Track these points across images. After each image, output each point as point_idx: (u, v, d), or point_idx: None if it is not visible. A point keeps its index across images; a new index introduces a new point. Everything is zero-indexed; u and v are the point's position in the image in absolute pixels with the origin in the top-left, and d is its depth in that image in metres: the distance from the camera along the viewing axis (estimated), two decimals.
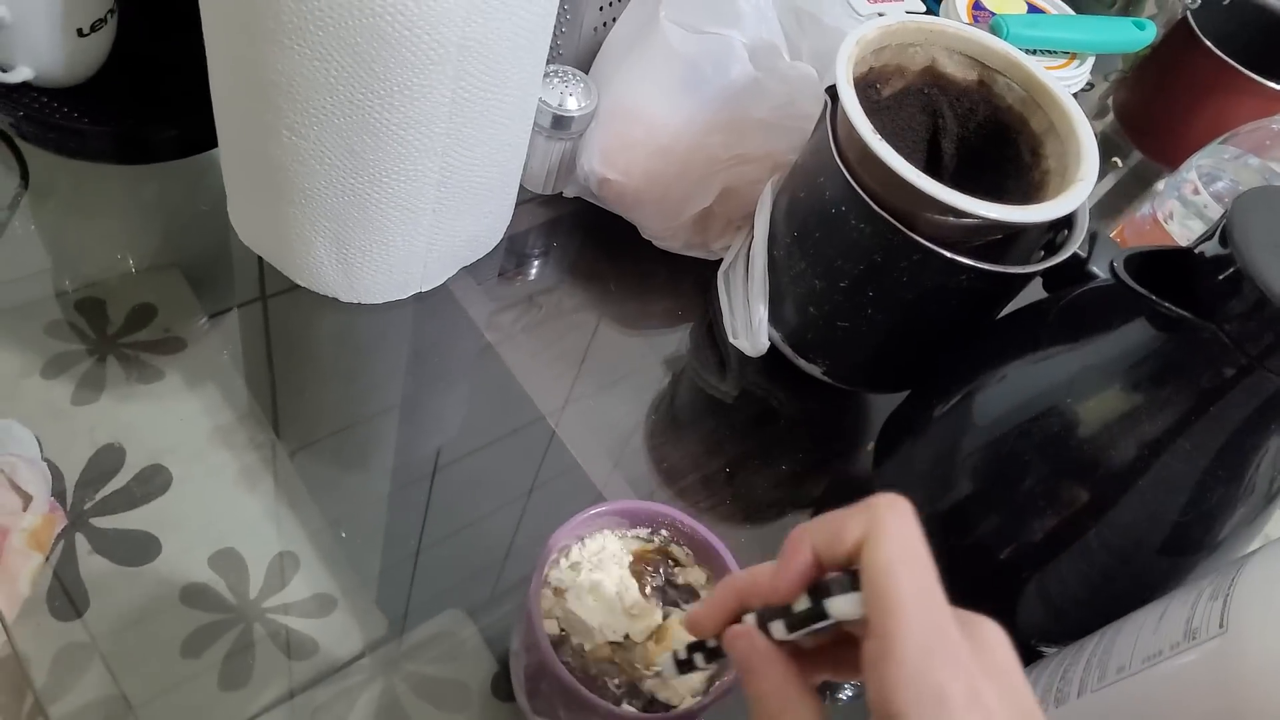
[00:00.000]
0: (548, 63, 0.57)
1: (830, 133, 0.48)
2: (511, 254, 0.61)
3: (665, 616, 0.37)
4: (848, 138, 0.46)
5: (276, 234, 0.51)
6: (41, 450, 0.45)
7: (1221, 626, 0.32)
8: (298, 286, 0.54)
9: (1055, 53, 0.64)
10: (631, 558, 0.38)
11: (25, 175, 0.54)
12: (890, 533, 0.25)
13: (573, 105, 0.56)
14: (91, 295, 0.51)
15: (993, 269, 0.46)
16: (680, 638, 0.35)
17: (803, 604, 0.27)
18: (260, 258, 0.54)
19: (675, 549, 0.39)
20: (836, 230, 0.49)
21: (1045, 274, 0.48)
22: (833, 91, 0.47)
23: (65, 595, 0.42)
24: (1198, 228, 0.56)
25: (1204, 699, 0.32)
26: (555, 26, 0.59)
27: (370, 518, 0.48)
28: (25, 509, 0.43)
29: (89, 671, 0.40)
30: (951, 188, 0.43)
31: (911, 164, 0.43)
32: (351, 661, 0.43)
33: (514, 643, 0.40)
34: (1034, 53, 0.63)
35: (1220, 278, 0.36)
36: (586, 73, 0.59)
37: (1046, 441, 0.42)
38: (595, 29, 0.61)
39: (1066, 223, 0.49)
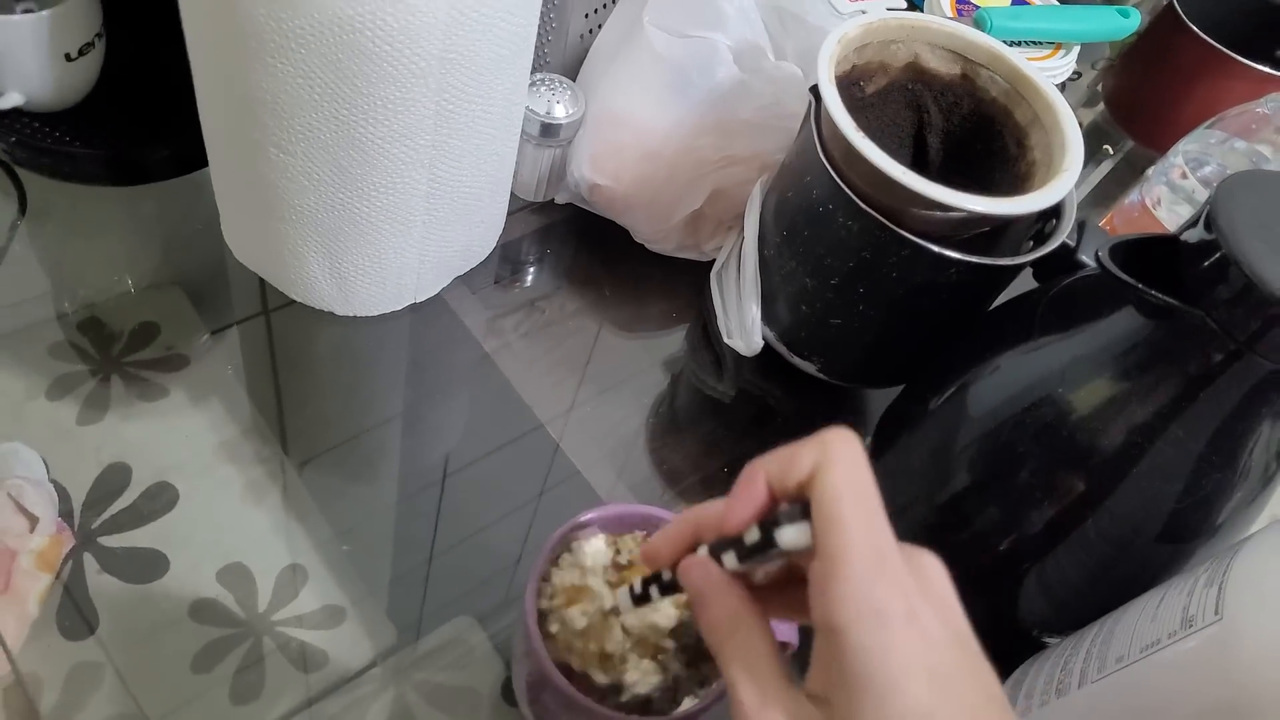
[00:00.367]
0: (534, 71, 0.58)
1: (815, 132, 0.48)
2: (505, 262, 0.61)
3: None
4: (832, 136, 0.47)
5: (269, 250, 0.51)
6: (48, 471, 0.46)
7: (1217, 613, 0.32)
8: (297, 301, 0.54)
9: (1040, 43, 0.64)
10: (615, 552, 0.38)
11: (23, 201, 0.54)
12: (840, 462, 0.26)
13: (560, 113, 0.57)
14: (94, 316, 0.51)
15: (981, 261, 0.46)
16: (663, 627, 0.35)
17: (753, 535, 0.28)
18: None
19: None
20: (825, 228, 0.49)
21: (1035, 264, 0.48)
22: (816, 91, 0.47)
23: (75, 615, 0.42)
24: (1186, 213, 0.56)
25: (1202, 687, 0.32)
26: (541, 35, 0.60)
27: (377, 528, 0.48)
28: (32, 530, 0.43)
29: (101, 690, 0.41)
30: (939, 182, 0.43)
31: (898, 160, 0.44)
32: (362, 671, 0.44)
33: (514, 650, 0.40)
34: (1019, 44, 0.63)
35: (1206, 264, 0.36)
36: (574, 80, 0.60)
37: (1041, 432, 0.42)
38: (581, 36, 0.61)
39: (1055, 213, 0.49)
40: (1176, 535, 0.41)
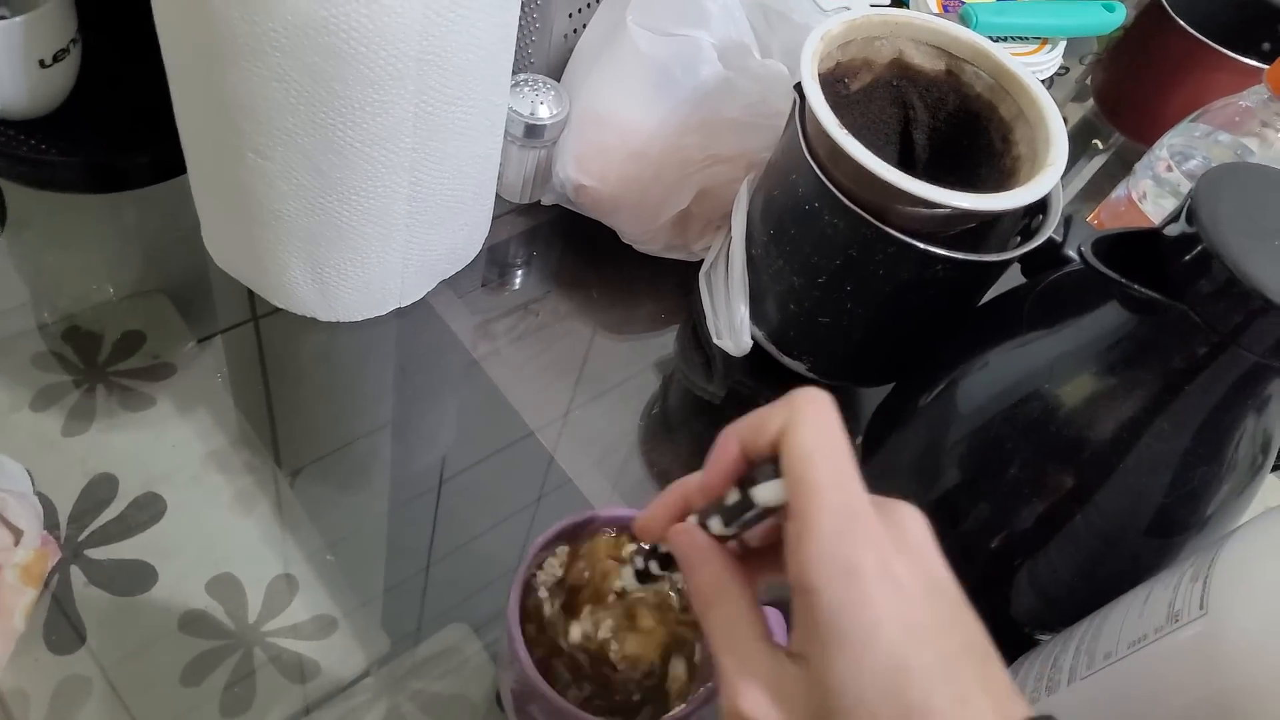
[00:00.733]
0: (518, 71, 0.58)
1: (800, 129, 0.48)
2: (492, 265, 0.61)
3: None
4: (816, 134, 0.46)
5: (250, 257, 0.51)
6: (34, 483, 0.45)
7: (1202, 608, 0.32)
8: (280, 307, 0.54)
9: (1026, 39, 0.64)
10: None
11: (3, 213, 0.54)
12: (809, 421, 0.26)
13: (544, 113, 0.56)
14: (78, 325, 0.51)
15: (967, 258, 0.46)
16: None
17: (733, 496, 0.28)
18: None
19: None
20: (811, 227, 0.49)
21: (1022, 260, 0.48)
22: (800, 88, 0.47)
23: (62, 628, 0.42)
24: (1171, 206, 0.55)
25: (1189, 682, 0.32)
26: (525, 35, 0.60)
27: (367, 536, 0.48)
28: (17, 544, 0.42)
29: (89, 704, 0.40)
30: (925, 178, 0.43)
31: (884, 157, 0.43)
32: (355, 681, 0.43)
33: (500, 658, 0.40)
34: (1005, 40, 0.63)
35: (1188, 258, 0.36)
36: (558, 80, 0.59)
37: (1029, 427, 0.42)
38: (565, 36, 0.61)
39: (1041, 208, 0.49)
40: (1165, 529, 0.41)
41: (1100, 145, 0.82)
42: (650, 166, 0.57)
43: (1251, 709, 0.30)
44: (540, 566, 0.38)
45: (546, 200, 0.63)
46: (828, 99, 0.45)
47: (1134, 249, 0.38)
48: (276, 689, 0.42)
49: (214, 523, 0.46)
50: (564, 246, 0.63)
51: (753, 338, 0.55)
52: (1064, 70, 0.79)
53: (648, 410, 0.57)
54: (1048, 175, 0.45)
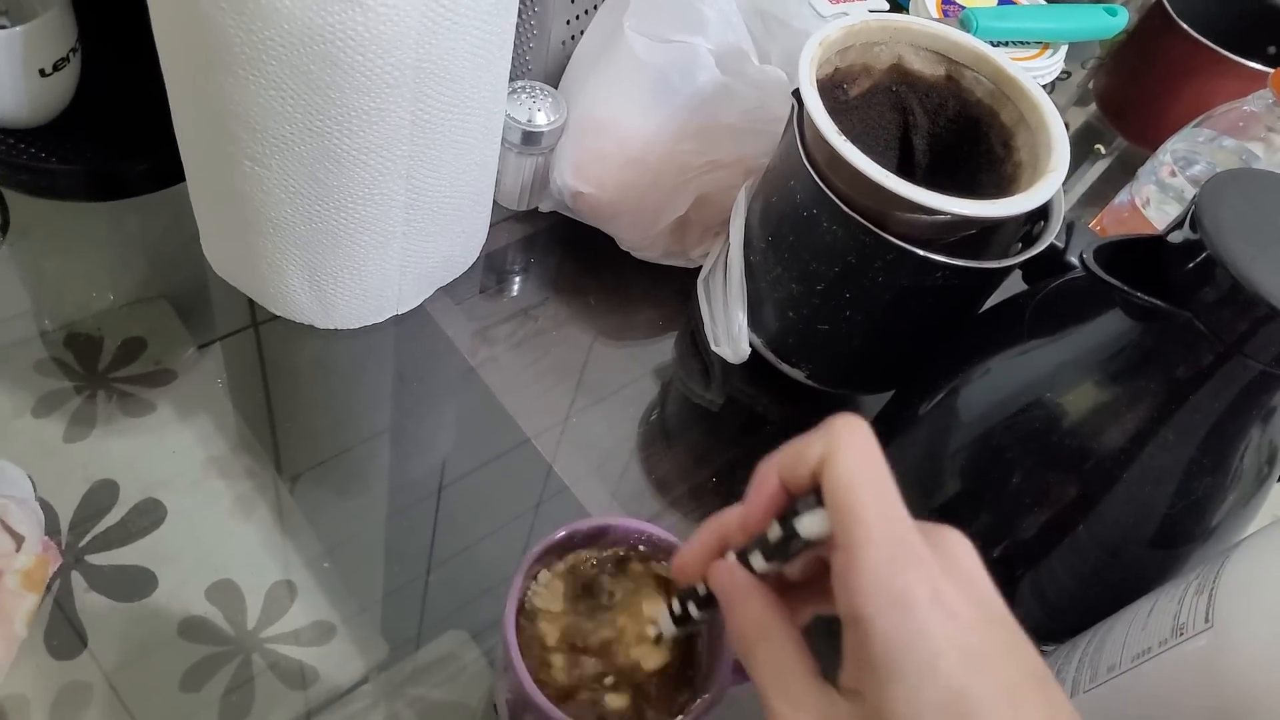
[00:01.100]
0: (516, 78, 0.57)
1: (798, 136, 0.48)
2: (490, 272, 0.60)
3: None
4: (814, 140, 0.46)
5: (248, 264, 0.50)
6: (35, 489, 0.45)
7: (1208, 621, 0.32)
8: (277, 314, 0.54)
9: (1027, 43, 0.64)
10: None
11: (6, 221, 0.54)
12: (849, 448, 0.26)
13: (542, 120, 0.56)
14: (79, 331, 0.51)
15: (966, 265, 0.45)
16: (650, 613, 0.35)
17: (775, 530, 0.27)
18: None
19: (655, 565, 0.39)
20: (809, 233, 0.48)
21: (1024, 267, 0.47)
22: (798, 94, 0.47)
23: (63, 634, 0.42)
24: (1175, 212, 0.55)
25: (1194, 695, 0.32)
26: (523, 42, 0.59)
27: (366, 543, 0.48)
28: (18, 550, 0.42)
29: (90, 710, 0.40)
30: (925, 185, 0.43)
31: (883, 163, 0.43)
32: (354, 688, 0.43)
33: (495, 668, 0.39)
34: (1005, 45, 0.63)
35: (1191, 265, 0.35)
36: (555, 87, 0.59)
37: (1030, 437, 0.41)
38: (563, 43, 0.61)
39: (1043, 214, 0.49)
40: (1169, 540, 0.41)
41: (1103, 150, 0.81)
42: (648, 173, 0.56)
43: None
44: (535, 577, 0.37)
45: (544, 207, 0.62)
46: (826, 105, 0.45)
47: (1137, 256, 0.38)
48: (275, 695, 0.42)
49: (214, 529, 0.46)
50: (562, 253, 0.62)
51: (751, 345, 0.54)
52: (1066, 75, 0.79)
53: (646, 417, 0.56)
54: (1049, 181, 0.45)
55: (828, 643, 0.27)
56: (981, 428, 0.44)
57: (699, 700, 0.35)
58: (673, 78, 0.55)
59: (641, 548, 0.39)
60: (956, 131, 0.52)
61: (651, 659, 0.35)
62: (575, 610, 0.36)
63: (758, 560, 0.28)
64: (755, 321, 0.54)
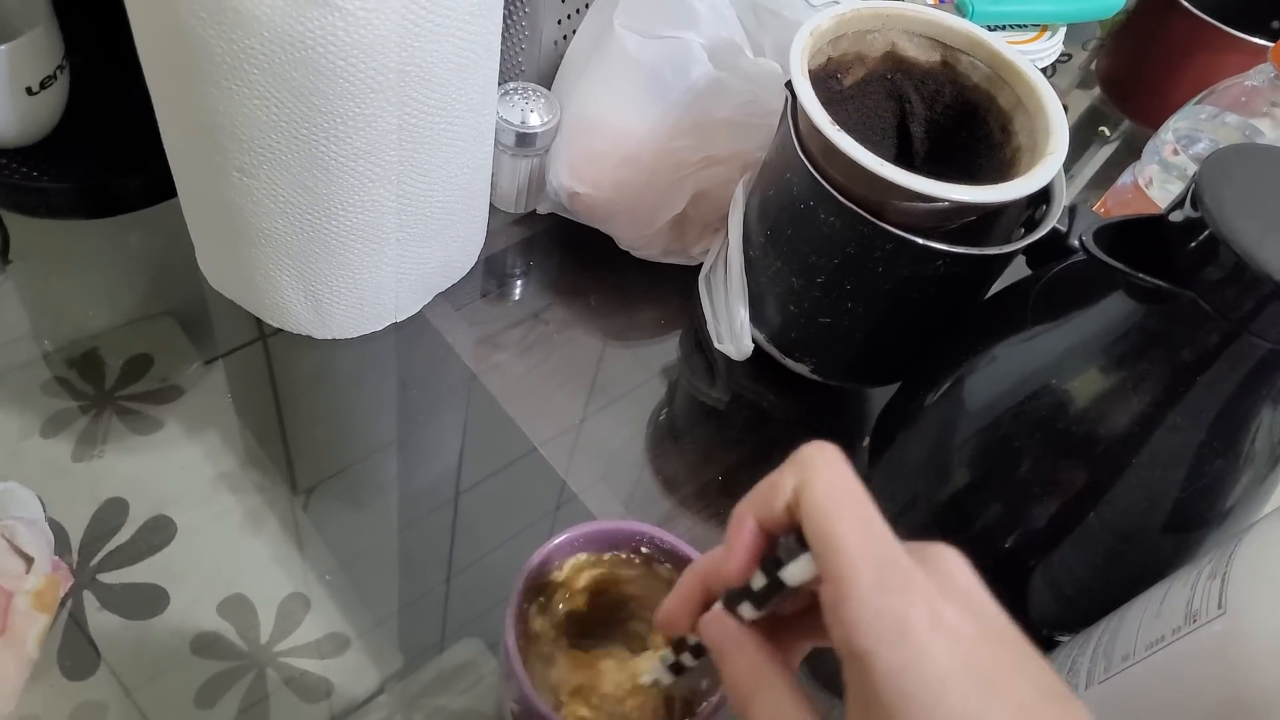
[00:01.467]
0: (509, 80, 0.57)
1: (792, 128, 0.47)
2: (489, 276, 0.60)
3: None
4: (809, 131, 0.45)
5: (242, 276, 0.50)
6: (45, 510, 0.45)
7: (1220, 607, 0.31)
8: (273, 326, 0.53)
9: (1025, 26, 0.63)
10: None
11: (6, 244, 0.54)
12: (822, 476, 0.25)
13: (535, 121, 0.56)
14: (86, 350, 0.51)
15: (966, 252, 0.45)
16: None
17: (759, 580, 0.27)
18: None
19: (658, 568, 0.38)
20: (807, 226, 0.48)
21: (1027, 252, 0.47)
22: (791, 86, 0.46)
23: (76, 654, 0.42)
24: (1179, 191, 0.54)
25: (1208, 684, 0.31)
26: (515, 43, 0.59)
27: (377, 554, 0.48)
28: (28, 571, 0.42)
29: None
30: (924, 173, 0.42)
31: (880, 152, 0.42)
32: (368, 700, 0.43)
33: (500, 676, 0.39)
34: (1002, 28, 0.62)
35: (1194, 244, 0.34)
36: (549, 88, 0.59)
37: (1038, 424, 0.41)
38: (555, 43, 0.60)
39: (1044, 198, 0.48)
40: (1182, 525, 0.40)
41: (1108, 133, 0.80)
42: (643, 171, 0.56)
43: (1275, 710, 0.29)
44: (535, 587, 0.37)
45: (542, 209, 0.62)
46: (820, 96, 0.44)
47: (1138, 237, 0.37)
48: (291, 709, 0.42)
49: (224, 544, 0.46)
50: (562, 255, 0.62)
51: (754, 341, 0.54)
52: (1066, 57, 0.78)
53: (653, 418, 0.56)
54: (1048, 164, 0.44)
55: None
56: (989, 417, 0.43)
57: (706, 703, 0.35)
58: (665, 74, 0.55)
59: (644, 550, 0.39)
60: (954, 118, 0.51)
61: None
62: (578, 617, 0.36)
63: (747, 610, 0.27)
64: (757, 317, 0.53)
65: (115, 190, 0.56)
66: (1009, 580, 0.44)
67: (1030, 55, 0.62)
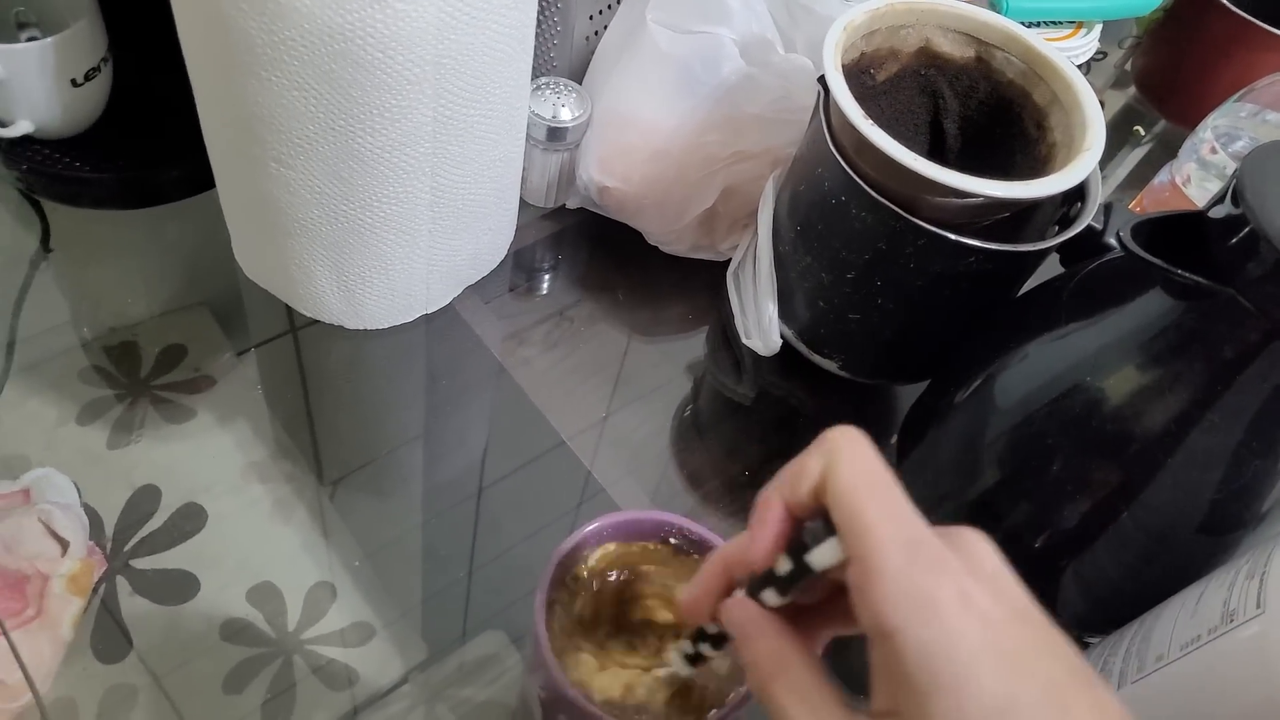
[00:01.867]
0: (540, 74, 0.57)
1: (825, 123, 0.47)
2: (518, 270, 0.60)
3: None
4: (841, 126, 0.45)
5: (277, 266, 0.51)
6: (80, 495, 0.46)
7: (1259, 606, 0.31)
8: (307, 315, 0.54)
9: (1060, 23, 0.62)
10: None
11: (46, 233, 0.55)
12: (848, 459, 0.25)
13: (566, 116, 0.56)
14: (122, 340, 0.52)
15: (1000, 248, 0.44)
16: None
17: (784, 565, 0.26)
18: None
19: (687, 558, 0.38)
20: (839, 221, 0.47)
21: (1061, 249, 0.46)
22: (824, 81, 0.46)
23: (109, 637, 0.42)
24: (1216, 190, 0.54)
25: (1246, 684, 0.31)
26: (547, 38, 0.59)
27: (404, 544, 0.48)
28: (64, 555, 0.43)
29: (136, 712, 0.41)
30: (958, 168, 0.42)
31: (913, 147, 0.42)
32: (393, 689, 0.43)
33: (525, 664, 0.39)
34: (1038, 25, 0.61)
35: (1235, 240, 0.34)
36: (580, 82, 0.59)
37: (1071, 422, 0.40)
38: (587, 38, 0.60)
39: (1079, 195, 0.47)
40: (1217, 526, 0.39)
41: (1143, 132, 0.79)
42: (673, 166, 0.56)
43: None
44: (564, 574, 0.37)
45: (571, 203, 0.62)
46: (853, 91, 0.44)
47: (1177, 233, 0.37)
48: (317, 696, 0.42)
49: (254, 532, 0.47)
50: (590, 250, 0.62)
51: (782, 337, 0.53)
52: (1101, 55, 0.77)
53: (679, 413, 0.56)
54: (1084, 160, 0.43)
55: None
56: (1020, 414, 0.43)
57: (734, 693, 0.35)
58: (696, 69, 0.55)
59: (673, 540, 0.39)
60: (988, 114, 0.50)
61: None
62: (606, 606, 0.36)
63: (770, 597, 0.27)
64: (786, 312, 0.53)
65: (155, 181, 0.56)
66: (1039, 580, 0.43)
67: (1065, 52, 0.62)
